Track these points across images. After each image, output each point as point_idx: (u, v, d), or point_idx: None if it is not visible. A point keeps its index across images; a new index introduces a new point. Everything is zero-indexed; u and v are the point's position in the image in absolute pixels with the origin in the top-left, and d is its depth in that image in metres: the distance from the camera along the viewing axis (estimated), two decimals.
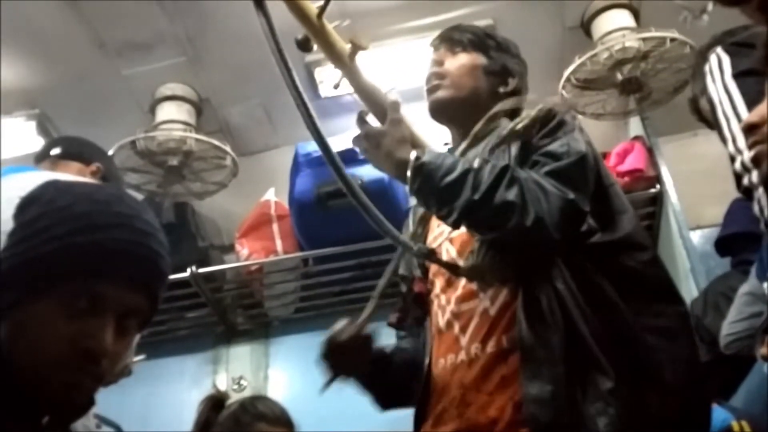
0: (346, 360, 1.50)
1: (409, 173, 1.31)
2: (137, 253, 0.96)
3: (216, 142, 3.19)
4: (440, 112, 1.59)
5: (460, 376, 1.35)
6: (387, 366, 1.56)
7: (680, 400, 1.25)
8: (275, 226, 3.42)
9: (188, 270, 3.22)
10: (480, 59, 1.59)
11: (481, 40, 1.62)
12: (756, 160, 1.18)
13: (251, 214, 3.48)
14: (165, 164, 3.20)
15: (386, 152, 1.35)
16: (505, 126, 1.46)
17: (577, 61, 2.96)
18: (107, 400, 1.84)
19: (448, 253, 1.46)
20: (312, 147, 3.11)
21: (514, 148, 1.40)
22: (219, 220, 3.72)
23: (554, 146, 1.34)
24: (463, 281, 1.42)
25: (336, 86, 1.43)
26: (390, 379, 1.56)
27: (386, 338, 1.60)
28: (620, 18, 3.05)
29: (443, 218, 1.33)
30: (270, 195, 3.50)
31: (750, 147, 1.19)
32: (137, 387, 3.10)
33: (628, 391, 1.20)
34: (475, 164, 1.31)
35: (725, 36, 1.66)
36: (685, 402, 1.26)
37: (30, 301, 0.91)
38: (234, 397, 1.99)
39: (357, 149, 1.41)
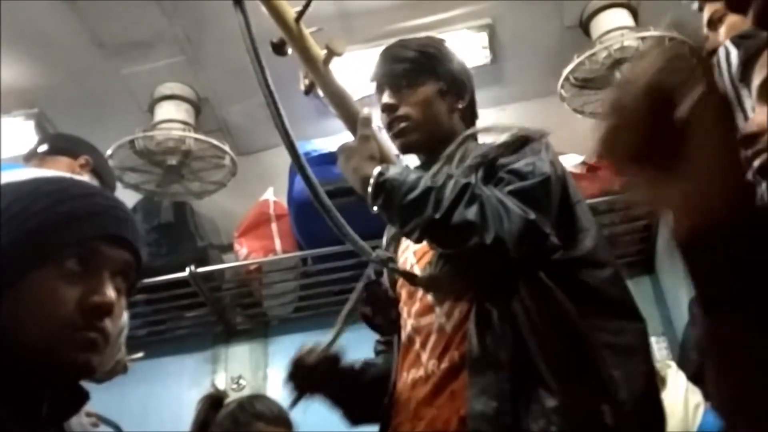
0: (311, 380, 1.54)
1: (370, 189, 1.32)
2: (115, 214, 1.03)
3: (215, 142, 3.19)
4: (412, 150, 1.60)
5: (417, 392, 1.37)
6: (356, 382, 1.58)
7: (634, 417, 1.24)
8: (274, 226, 3.42)
9: (187, 269, 3.20)
10: (431, 86, 1.56)
11: (420, 65, 1.57)
12: (762, 171, 1.15)
13: (250, 214, 3.47)
14: (164, 163, 3.19)
15: (353, 168, 1.38)
16: (472, 147, 1.48)
17: (576, 60, 2.96)
18: (106, 399, 1.85)
19: (410, 264, 1.49)
20: (311, 146, 3.11)
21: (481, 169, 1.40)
22: (218, 219, 3.72)
23: (520, 165, 1.35)
24: (420, 294, 1.44)
25: (307, 92, 1.46)
26: (358, 395, 1.58)
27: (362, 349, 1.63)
28: (619, 17, 3.04)
29: (407, 235, 1.36)
30: (269, 194, 3.50)
31: (753, 158, 1.17)
32: (136, 386, 3.12)
33: (578, 408, 1.20)
34: (440, 180, 1.32)
35: None
36: (639, 418, 1.25)
37: (26, 277, 0.92)
38: (233, 397, 2.00)
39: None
